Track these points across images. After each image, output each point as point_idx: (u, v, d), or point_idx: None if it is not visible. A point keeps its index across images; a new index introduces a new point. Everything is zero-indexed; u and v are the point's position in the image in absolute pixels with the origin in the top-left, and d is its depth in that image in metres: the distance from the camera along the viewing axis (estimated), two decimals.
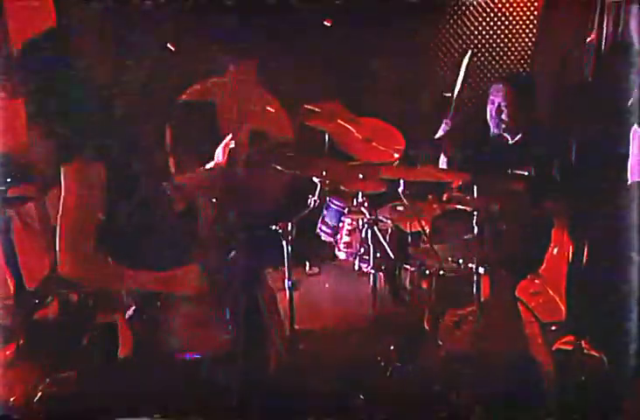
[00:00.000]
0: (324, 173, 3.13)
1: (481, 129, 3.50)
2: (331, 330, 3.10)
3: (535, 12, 4.04)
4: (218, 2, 2.92)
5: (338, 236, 3.27)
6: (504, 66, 4.13)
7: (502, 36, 4.12)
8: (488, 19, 4.10)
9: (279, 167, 3.19)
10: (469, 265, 2.97)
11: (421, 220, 3.09)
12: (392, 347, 3.01)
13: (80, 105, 2.38)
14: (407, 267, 3.15)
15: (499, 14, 4.09)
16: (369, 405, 2.85)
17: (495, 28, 4.11)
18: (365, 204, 3.10)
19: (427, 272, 3.08)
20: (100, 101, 2.43)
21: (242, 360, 2.65)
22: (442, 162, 3.49)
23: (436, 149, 3.49)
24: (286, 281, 2.98)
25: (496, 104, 3.37)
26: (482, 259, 2.95)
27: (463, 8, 4.05)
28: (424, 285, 3.11)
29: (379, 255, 3.06)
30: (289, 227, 2.91)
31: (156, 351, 2.50)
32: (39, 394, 3.03)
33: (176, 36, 2.97)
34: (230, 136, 2.96)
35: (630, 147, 3.03)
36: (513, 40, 4.11)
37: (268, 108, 3.56)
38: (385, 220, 3.15)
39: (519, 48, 4.13)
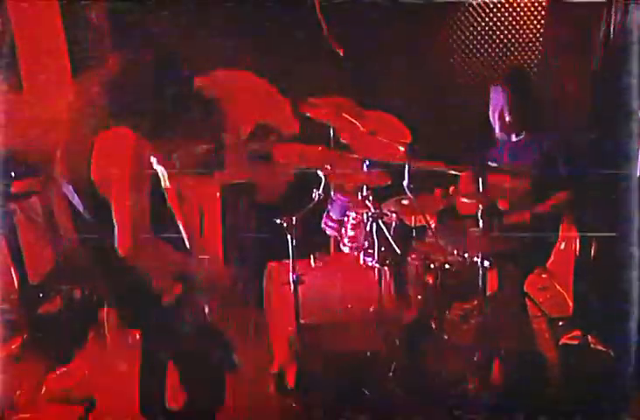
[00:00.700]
0: (329, 167, 3.11)
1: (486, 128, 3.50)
2: (336, 324, 3.08)
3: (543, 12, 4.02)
4: None
5: (343, 230, 3.25)
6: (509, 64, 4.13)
7: (506, 32, 4.11)
8: (492, 16, 4.10)
9: (282, 161, 3.18)
10: (475, 259, 2.94)
11: (426, 214, 3.06)
12: (397, 342, 3.00)
13: None
14: (412, 261, 3.12)
15: (504, 11, 4.09)
16: (373, 400, 2.85)
17: (499, 25, 4.10)
18: (370, 198, 3.08)
19: (432, 266, 3.06)
20: None
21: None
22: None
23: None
24: (290, 275, 2.96)
25: (497, 106, 3.37)
26: (487, 253, 2.92)
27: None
28: (429, 279, 3.08)
29: (383, 249, 3.04)
30: (294, 221, 2.89)
31: None
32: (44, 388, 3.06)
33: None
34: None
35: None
36: (517, 36, 4.10)
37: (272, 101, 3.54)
38: (389, 213, 3.12)
39: (525, 46, 4.12)
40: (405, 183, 2.90)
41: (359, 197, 3.13)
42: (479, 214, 2.93)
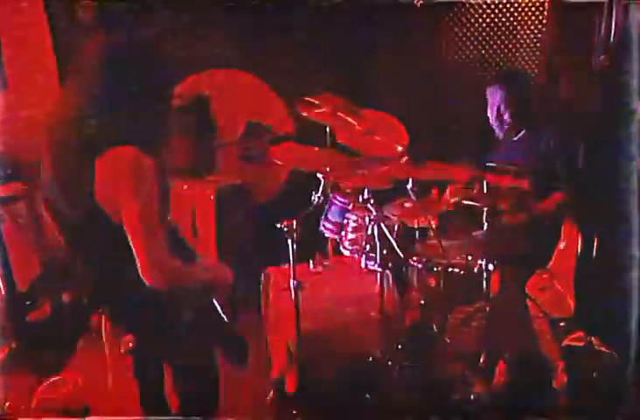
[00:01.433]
0: (328, 169, 3.04)
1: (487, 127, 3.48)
2: (336, 329, 3.03)
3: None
4: None
5: (343, 233, 3.19)
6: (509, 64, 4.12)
7: (507, 33, 4.09)
8: (493, 17, 4.07)
9: (279, 162, 3.11)
10: (479, 262, 2.91)
11: (429, 217, 3.02)
12: (399, 346, 2.97)
13: None
14: (415, 264, 3.07)
15: (505, 11, 4.06)
16: (376, 404, 2.81)
17: (499, 25, 4.08)
18: (371, 201, 3.02)
19: (435, 269, 3.02)
20: None
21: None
22: None
23: None
24: (291, 280, 2.90)
25: (495, 107, 3.35)
26: (491, 255, 2.89)
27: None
28: (432, 282, 3.05)
29: (385, 252, 2.99)
30: (295, 225, 2.82)
31: None
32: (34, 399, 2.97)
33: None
34: None
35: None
36: (517, 36, 4.08)
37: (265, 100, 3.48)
38: (391, 216, 3.07)
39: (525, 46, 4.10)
40: (409, 186, 2.86)
41: (360, 199, 3.08)
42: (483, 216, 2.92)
